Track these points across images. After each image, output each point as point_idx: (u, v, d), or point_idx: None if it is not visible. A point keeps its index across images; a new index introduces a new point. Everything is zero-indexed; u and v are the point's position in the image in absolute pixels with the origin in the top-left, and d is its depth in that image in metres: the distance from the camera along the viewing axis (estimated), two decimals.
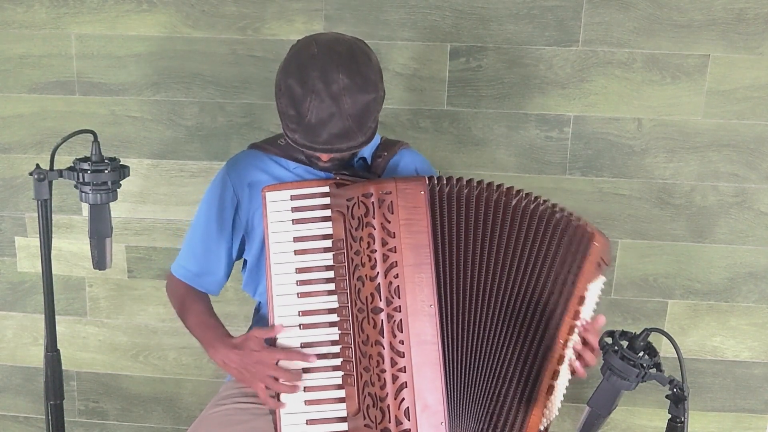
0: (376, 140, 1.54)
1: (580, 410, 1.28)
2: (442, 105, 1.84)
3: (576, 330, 1.31)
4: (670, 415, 1.22)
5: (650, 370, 1.20)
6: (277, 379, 1.30)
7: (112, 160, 1.24)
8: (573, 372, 1.34)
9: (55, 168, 1.21)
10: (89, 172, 1.21)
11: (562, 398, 1.35)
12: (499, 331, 1.29)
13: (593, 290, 1.34)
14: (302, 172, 1.45)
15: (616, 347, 1.22)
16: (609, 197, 1.87)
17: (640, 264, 1.90)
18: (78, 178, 1.21)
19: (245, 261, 1.55)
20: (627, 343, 1.23)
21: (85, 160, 1.22)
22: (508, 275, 1.29)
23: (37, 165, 1.22)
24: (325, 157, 1.34)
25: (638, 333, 1.22)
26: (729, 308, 1.92)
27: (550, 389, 1.29)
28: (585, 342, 1.32)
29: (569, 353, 1.31)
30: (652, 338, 1.23)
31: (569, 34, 1.78)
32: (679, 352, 1.20)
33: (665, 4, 1.74)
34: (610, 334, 1.25)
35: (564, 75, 1.80)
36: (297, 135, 1.28)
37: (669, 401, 1.21)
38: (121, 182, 1.25)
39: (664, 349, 1.32)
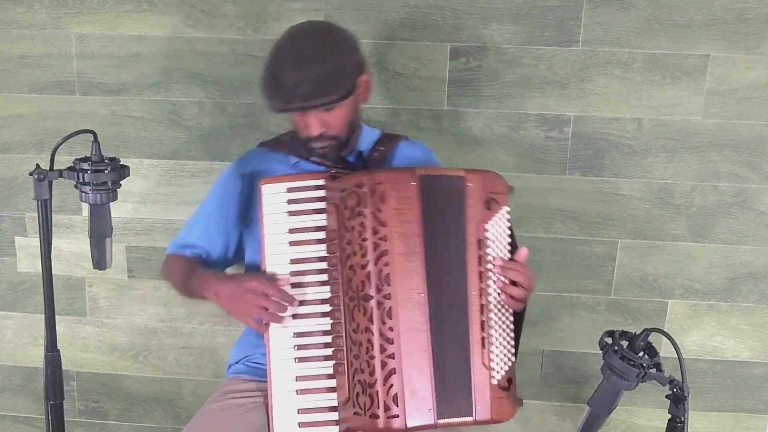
0: (375, 135, 1.55)
1: (580, 410, 1.29)
2: (442, 105, 1.84)
3: (490, 274, 1.31)
4: (670, 415, 1.22)
5: (650, 370, 1.21)
6: (265, 309, 1.30)
7: (112, 160, 1.24)
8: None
9: (55, 168, 1.21)
10: (89, 172, 1.20)
11: (513, 342, 1.34)
12: (456, 310, 1.30)
13: (494, 229, 1.34)
14: (303, 166, 1.47)
15: (616, 347, 1.22)
16: (609, 197, 1.86)
17: (640, 264, 1.90)
18: (78, 178, 1.21)
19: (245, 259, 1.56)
20: (627, 343, 1.23)
21: (85, 160, 1.22)
22: (459, 257, 1.30)
23: (37, 165, 1.22)
24: (315, 130, 1.37)
25: (638, 333, 1.23)
26: (729, 308, 1.92)
27: (484, 341, 1.29)
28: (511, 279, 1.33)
29: (493, 299, 1.31)
30: (652, 338, 1.23)
31: (569, 34, 1.78)
32: (679, 352, 1.20)
33: (665, 4, 1.74)
34: (610, 334, 1.25)
35: (564, 75, 1.80)
36: (274, 101, 1.35)
37: (669, 401, 1.22)
38: (121, 182, 1.24)
39: (664, 349, 1.32)
